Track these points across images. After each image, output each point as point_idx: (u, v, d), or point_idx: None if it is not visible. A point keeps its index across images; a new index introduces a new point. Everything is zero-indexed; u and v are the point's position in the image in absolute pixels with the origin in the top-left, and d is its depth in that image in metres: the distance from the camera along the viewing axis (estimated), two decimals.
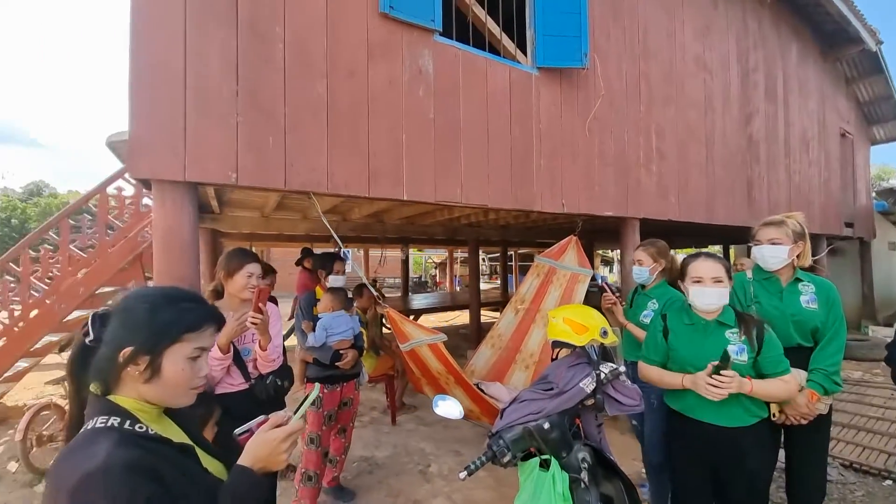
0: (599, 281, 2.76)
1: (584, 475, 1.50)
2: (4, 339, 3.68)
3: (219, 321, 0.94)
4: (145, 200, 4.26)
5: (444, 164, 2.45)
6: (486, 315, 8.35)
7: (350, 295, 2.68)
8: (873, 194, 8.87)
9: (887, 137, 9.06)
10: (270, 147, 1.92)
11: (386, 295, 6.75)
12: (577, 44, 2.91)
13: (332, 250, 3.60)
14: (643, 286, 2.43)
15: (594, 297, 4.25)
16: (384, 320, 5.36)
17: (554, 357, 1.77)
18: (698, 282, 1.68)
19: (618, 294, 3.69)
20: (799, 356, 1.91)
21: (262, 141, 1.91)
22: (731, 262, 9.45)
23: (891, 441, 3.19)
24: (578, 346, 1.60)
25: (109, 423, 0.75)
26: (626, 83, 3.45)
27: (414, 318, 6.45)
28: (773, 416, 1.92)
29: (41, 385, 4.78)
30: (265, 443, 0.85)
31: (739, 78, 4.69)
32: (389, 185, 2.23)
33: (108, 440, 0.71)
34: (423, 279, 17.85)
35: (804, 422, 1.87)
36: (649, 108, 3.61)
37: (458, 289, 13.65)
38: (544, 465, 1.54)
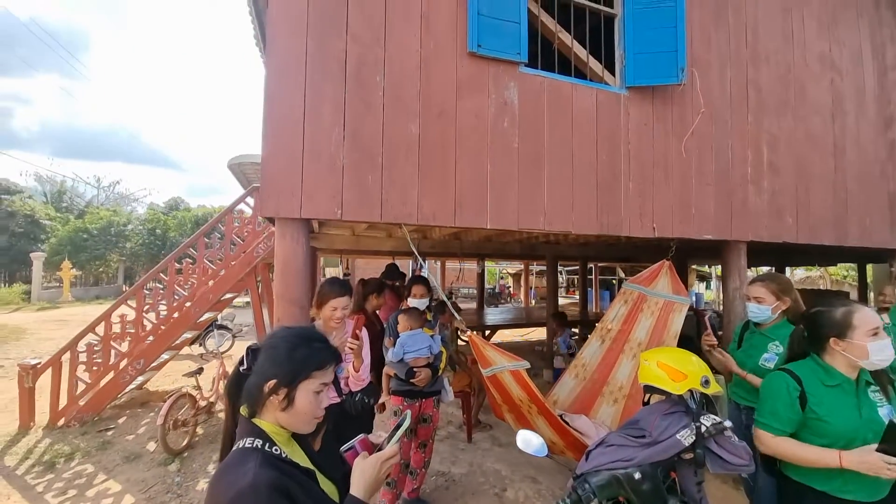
0: (695, 303, 2.53)
1: None
2: (153, 336, 4.50)
3: (339, 359, 1.08)
4: (260, 219, 4.92)
5: (527, 192, 2.47)
6: None
7: (431, 313, 2.81)
8: None
9: None
10: (369, 184, 2.12)
11: (461, 306, 6.87)
12: (672, 59, 2.74)
13: (412, 272, 3.78)
14: (758, 324, 2.17)
15: (688, 322, 3.90)
16: (460, 335, 5.48)
17: (645, 401, 1.68)
18: (875, 334, 1.39)
19: (720, 332, 3.33)
20: None
21: (362, 179, 2.12)
22: (868, 285, 7.79)
23: None
24: (675, 395, 1.50)
25: (254, 445, 0.92)
26: (731, 93, 3.14)
27: (490, 334, 6.46)
28: None
29: (177, 374, 5.70)
30: (369, 468, 0.96)
31: (875, 75, 3.98)
32: (473, 214, 2.32)
33: (254, 460, 0.87)
34: (495, 290, 17.74)
35: None
36: (759, 118, 3.24)
37: (533, 302, 13.35)
38: None
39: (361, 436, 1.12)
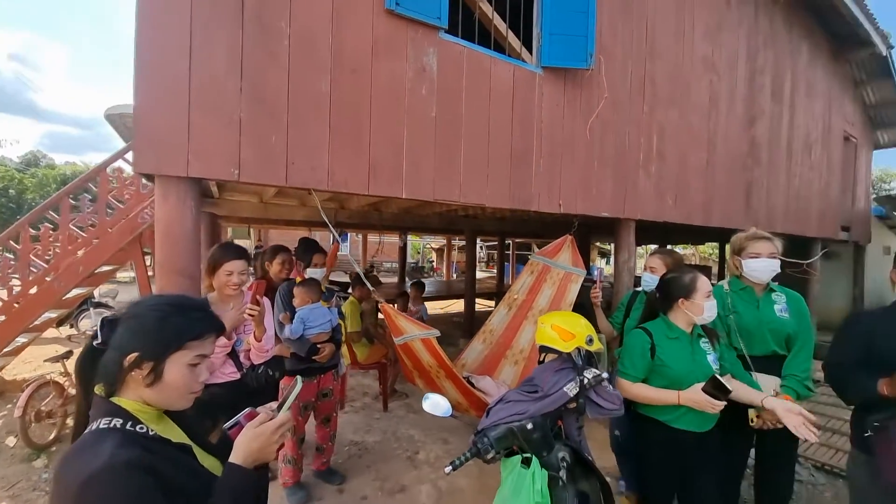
0: (595, 274, 2.81)
1: (563, 474, 1.59)
2: (4, 315, 3.74)
3: (220, 329, 0.99)
4: (145, 180, 4.27)
5: (444, 163, 2.47)
6: (482, 304, 8.45)
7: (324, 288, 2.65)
8: (873, 198, 8.89)
9: (891, 142, 9.02)
10: (273, 144, 1.94)
11: (382, 281, 6.82)
12: (583, 44, 2.89)
13: (318, 238, 3.60)
14: (646, 292, 2.48)
15: (586, 291, 4.33)
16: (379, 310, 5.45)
17: (541, 360, 1.84)
18: (708, 296, 1.73)
19: (609, 286, 3.78)
20: (774, 363, 2.01)
21: (264, 137, 1.93)
22: (726, 261, 9.47)
23: None
24: (564, 353, 1.67)
25: (112, 424, 0.81)
26: (631, 83, 3.44)
27: None
28: (751, 421, 2.01)
29: (39, 360, 4.86)
30: (256, 437, 0.90)
31: (746, 79, 4.66)
32: (388, 183, 2.26)
33: (111, 441, 0.77)
34: (419, 264, 17.91)
35: (780, 426, 1.97)
36: (652, 108, 3.61)
37: (454, 276, 13.75)
38: (525, 462, 1.63)
39: (247, 410, 1.05)
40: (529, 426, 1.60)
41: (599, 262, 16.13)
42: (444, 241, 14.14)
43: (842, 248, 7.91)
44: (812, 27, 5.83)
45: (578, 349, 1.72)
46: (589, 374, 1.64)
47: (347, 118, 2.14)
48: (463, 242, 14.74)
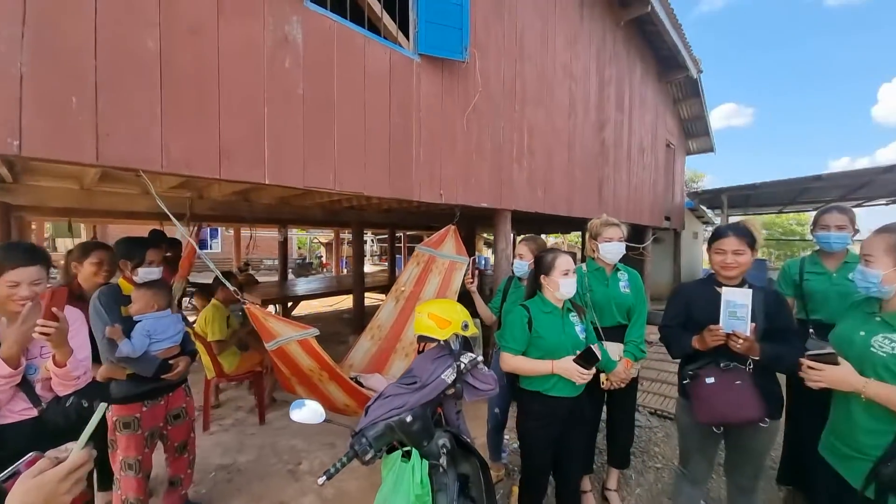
0: (481, 264, 2.92)
1: (443, 460, 1.59)
2: None
3: None
4: None
5: (315, 147, 2.26)
6: (374, 299, 8.27)
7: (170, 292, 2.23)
8: (686, 194, 11.20)
9: (699, 149, 11.45)
10: (73, 108, 1.50)
11: (260, 281, 6.15)
12: (458, 36, 2.93)
13: (165, 235, 3.05)
14: (520, 278, 2.64)
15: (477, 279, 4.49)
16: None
17: (420, 350, 1.82)
18: (566, 274, 1.90)
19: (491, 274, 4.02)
20: (619, 332, 2.33)
21: (59, 99, 1.48)
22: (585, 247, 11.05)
23: None
24: (441, 340, 1.66)
25: None
26: (504, 81, 3.64)
27: (292, 306, 6.03)
28: (602, 383, 2.30)
29: None
30: (32, 490, 0.68)
31: (597, 88, 5.37)
32: (246, 167, 1.97)
33: None
34: (306, 260, 16.77)
35: (623, 385, 2.30)
36: (523, 107, 3.89)
37: (344, 271, 13.22)
38: (406, 456, 1.58)
39: (31, 455, 0.79)
40: (409, 418, 1.55)
41: (486, 252, 17.22)
42: (333, 234, 13.45)
43: (665, 234, 9.78)
44: (644, 51, 7.01)
45: (456, 335, 1.74)
46: (465, 358, 1.66)
47: (188, 86, 1.79)
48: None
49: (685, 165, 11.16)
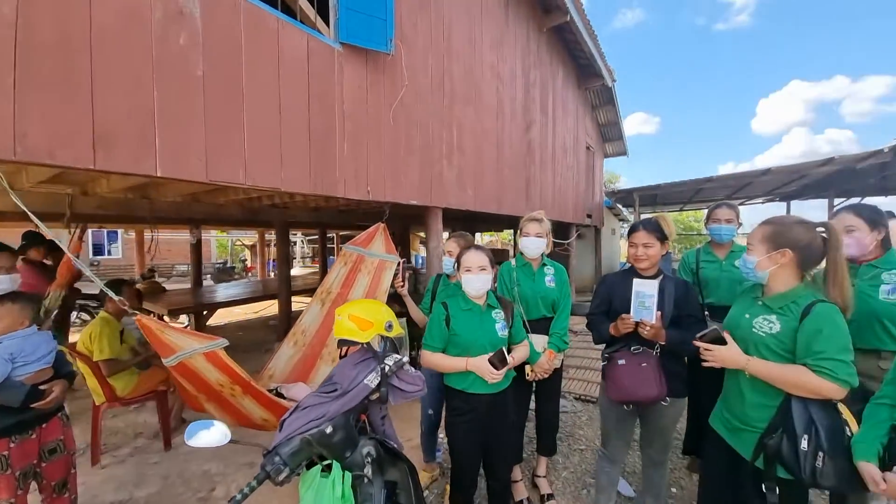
0: (419, 263, 2.85)
1: (368, 469, 1.50)
2: None
3: None
4: None
5: (220, 137, 2.03)
6: (302, 303, 7.81)
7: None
8: (604, 193, 12.14)
9: (615, 153, 12.46)
10: None
11: (169, 289, 5.50)
12: (382, 26, 2.84)
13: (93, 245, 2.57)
14: (449, 276, 2.60)
15: (410, 279, 4.41)
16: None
17: (343, 355, 1.71)
18: (468, 270, 1.90)
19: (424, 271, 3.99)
20: (545, 324, 2.41)
21: None
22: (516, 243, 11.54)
23: None
24: (364, 343, 1.57)
25: None
26: (432, 77, 3.61)
27: (208, 314, 5.46)
28: (527, 375, 2.36)
29: None
30: None
31: (523, 91, 5.57)
32: (131, 157, 1.70)
33: None
34: (227, 265, 15.43)
35: (546, 375, 2.38)
36: (452, 105, 3.89)
37: (271, 275, 12.37)
38: (327, 470, 1.47)
39: None
40: (329, 430, 1.44)
41: (421, 250, 17.19)
42: (257, 235, 12.52)
43: (587, 231, 10.52)
44: (565, 58, 7.44)
45: (383, 337, 1.66)
46: (390, 360, 1.59)
47: (49, 57, 1.49)
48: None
49: (603, 167, 12.10)
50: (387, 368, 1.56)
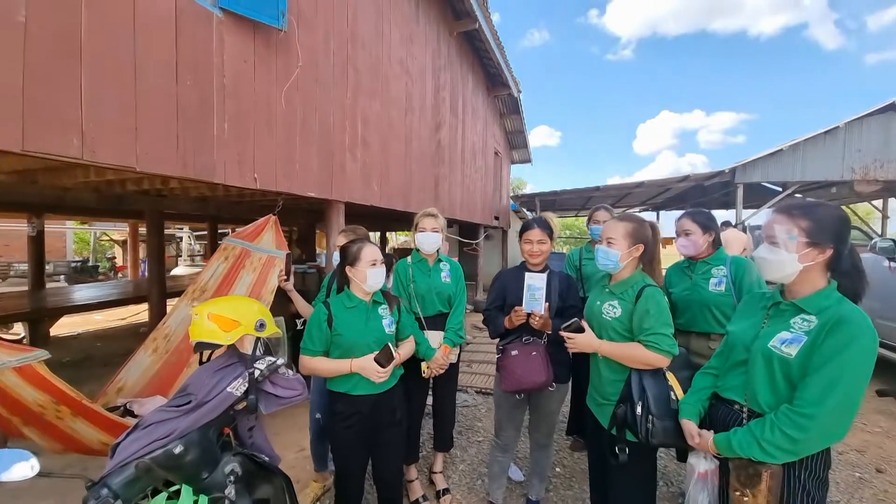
0: (325, 262, 2.62)
1: (230, 490, 1.31)
2: None
3: None
4: None
5: (45, 97, 1.63)
6: None
7: None
8: (510, 197, 12.88)
9: (520, 160, 13.28)
10: None
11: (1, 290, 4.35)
12: None
13: None
14: None
15: (313, 278, 4.12)
16: None
17: (202, 361, 1.48)
18: (373, 265, 1.80)
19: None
20: (440, 320, 2.41)
21: None
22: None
23: None
24: (227, 345, 1.38)
25: None
26: (334, 65, 3.41)
27: (50, 322, 4.47)
28: (423, 372, 2.33)
29: None
30: None
31: (433, 90, 5.61)
32: None
33: None
34: (88, 263, 12.95)
35: (442, 371, 2.38)
36: (356, 95, 3.73)
37: (146, 275, 10.66)
38: (175, 496, 1.25)
39: None
40: (178, 449, 1.23)
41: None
42: (129, 229, 10.70)
43: (495, 232, 11.05)
44: (475, 65, 7.70)
45: (258, 339, 1.48)
46: (261, 364, 1.42)
47: None
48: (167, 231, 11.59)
49: (510, 173, 12.84)
50: (257, 373, 1.39)
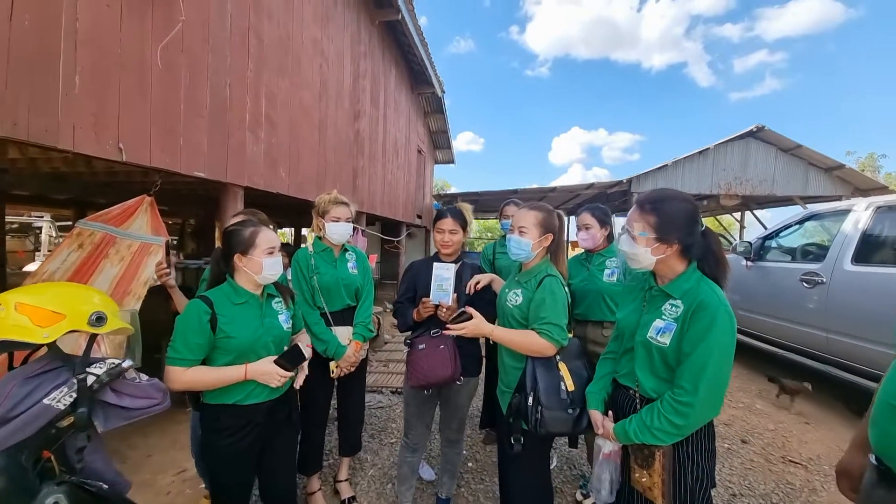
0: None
1: None
2: None
3: None
4: None
5: None
6: None
7: None
8: (434, 197, 12.94)
9: (444, 160, 13.41)
10: None
11: None
12: None
13: None
14: None
15: (190, 274, 3.59)
16: None
17: (11, 366, 1.14)
18: (270, 253, 1.54)
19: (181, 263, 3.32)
20: (348, 315, 2.23)
21: None
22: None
23: None
24: (42, 344, 1.06)
25: None
26: (231, 29, 3.02)
27: None
28: (332, 372, 2.13)
29: None
30: None
31: (352, 78, 5.33)
32: None
33: None
34: None
35: (352, 369, 2.21)
36: (259, 68, 3.35)
37: None
38: None
39: None
40: None
41: None
42: None
43: (417, 231, 10.99)
44: (398, 59, 7.54)
45: (93, 336, 1.17)
46: (99, 368, 1.12)
47: None
48: (21, 220, 9.40)
49: (433, 172, 12.89)
50: (91, 380, 1.10)
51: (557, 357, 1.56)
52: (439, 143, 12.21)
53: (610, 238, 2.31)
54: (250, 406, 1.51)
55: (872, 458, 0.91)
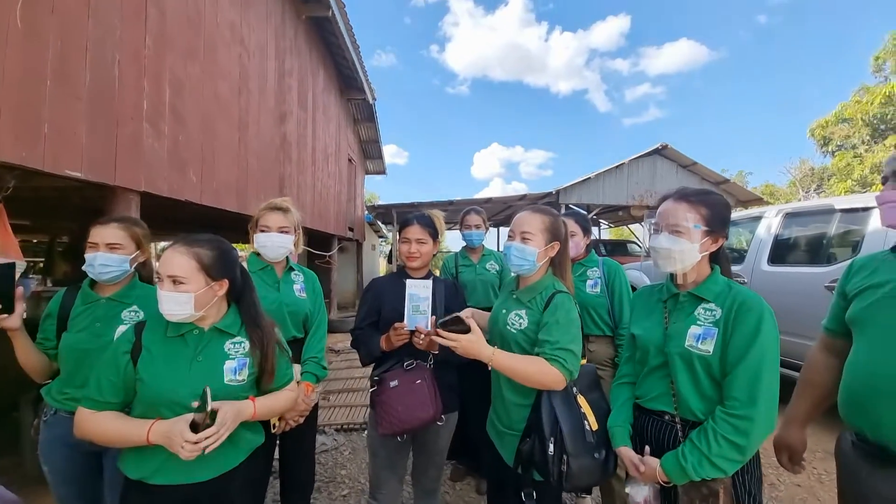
0: None
1: None
2: None
3: None
4: None
5: None
6: None
7: None
8: (366, 208, 12.38)
9: (374, 170, 12.94)
10: None
11: None
12: None
13: None
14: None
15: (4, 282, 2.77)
16: None
17: None
18: (161, 281, 1.11)
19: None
20: (295, 349, 1.77)
21: None
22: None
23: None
24: None
25: None
26: None
27: None
28: (273, 427, 1.66)
29: None
30: None
31: (277, 75, 4.75)
32: None
33: None
34: None
35: (301, 420, 1.74)
36: (161, 49, 2.72)
37: None
38: None
39: None
40: None
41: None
42: None
43: (349, 244, 10.36)
44: (328, 60, 7.03)
45: None
46: None
47: None
48: None
49: (364, 183, 12.36)
50: None
51: (575, 389, 1.30)
52: (370, 152, 11.74)
53: (590, 247, 2.17)
54: (163, 488, 1.04)
55: (853, 437, 1.00)
